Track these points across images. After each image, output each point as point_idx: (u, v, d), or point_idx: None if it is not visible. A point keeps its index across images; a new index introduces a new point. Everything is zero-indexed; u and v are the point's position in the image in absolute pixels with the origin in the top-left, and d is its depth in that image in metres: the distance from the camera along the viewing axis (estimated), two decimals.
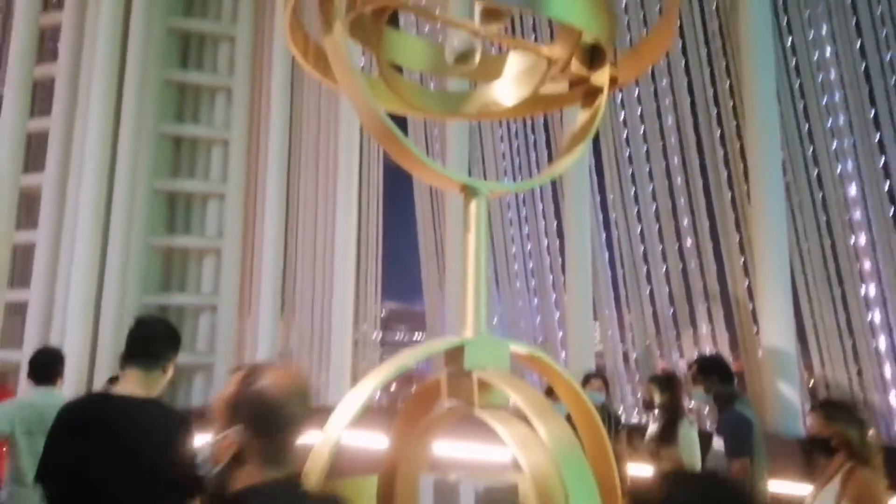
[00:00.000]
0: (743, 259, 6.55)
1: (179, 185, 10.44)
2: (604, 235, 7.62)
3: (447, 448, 4.59)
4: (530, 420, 2.50)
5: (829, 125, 6.14)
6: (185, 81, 10.57)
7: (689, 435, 4.64)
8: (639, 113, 7.34)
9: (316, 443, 2.66)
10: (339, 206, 9.46)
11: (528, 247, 8.15)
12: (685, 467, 4.43)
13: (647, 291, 7.19)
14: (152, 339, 3.03)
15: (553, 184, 7.86)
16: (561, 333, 7.73)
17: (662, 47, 3.43)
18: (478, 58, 3.43)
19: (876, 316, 5.67)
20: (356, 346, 9.47)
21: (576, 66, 3.55)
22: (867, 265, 5.80)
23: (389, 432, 3.22)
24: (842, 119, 6.04)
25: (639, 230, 7.30)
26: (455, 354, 2.98)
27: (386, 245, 10.24)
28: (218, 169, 10.50)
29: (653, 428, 4.91)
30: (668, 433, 4.61)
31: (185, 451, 2.62)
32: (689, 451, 4.61)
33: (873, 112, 5.84)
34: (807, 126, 6.26)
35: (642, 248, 7.34)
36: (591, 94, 3.67)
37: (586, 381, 5.36)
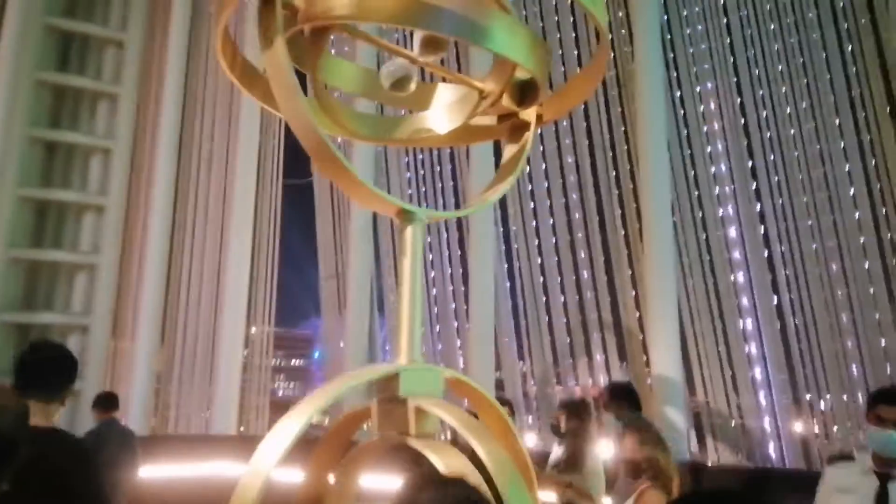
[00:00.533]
0: (634, 293, 6.95)
1: (51, 194, 9.58)
2: (506, 266, 7.83)
3: (373, 480, 4.44)
4: (472, 443, 2.49)
5: (712, 171, 6.70)
6: (65, 84, 9.78)
7: (595, 462, 4.77)
8: (541, 151, 7.66)
9: (242, 478, 2.49)
10: (233, 224, 9.07)
11: (432, 274, 8.20)
12: (588, 494, 4.56)
13: (546, 321, 7.44)
14: (50, 369, 2.74)
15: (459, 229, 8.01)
16: (462, 361, 7.80)
17: (589, 89, 3.59)
18: (413, 85, 3.44)
19: (753, 348, 6.19)
20: (245, 372, 9.04)
21: (506, 101, 3.65)
22: (745, 301, 6.34)
23: (308, 465, 3.07)
24: (723, 167, 6.62)
25: (539, 262, 7.56)
26: (388, 382, 2.91)
27: None
28: (97, 179, 9.75)
29: (558, 453, 5.00)
30: (574, 459, 4.71)
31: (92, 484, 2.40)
32: (595, 478, 4.73)
33: (751, 163, 6.45)
34: (693, 172, 6.79)
35: (542, 279, 7.60)
36: (519, 128, 3.78)
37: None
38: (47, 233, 9.55)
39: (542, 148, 7.63)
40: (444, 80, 3.70)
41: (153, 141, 9.60)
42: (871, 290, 5.97)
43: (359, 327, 8.21)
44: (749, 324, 6.37)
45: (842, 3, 6.43)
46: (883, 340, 5.83)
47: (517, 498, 2.34)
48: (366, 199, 3.22)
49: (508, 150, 3.75)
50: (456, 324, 8.00)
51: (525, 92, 3.68)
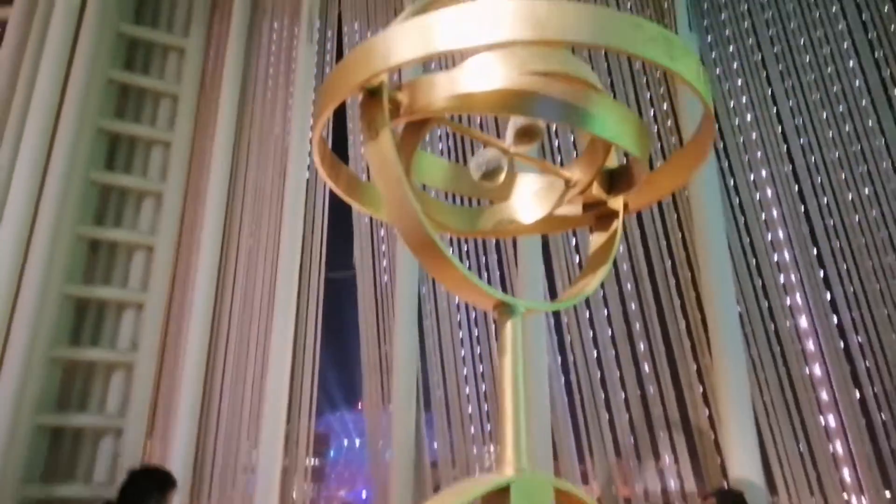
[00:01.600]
0: (702, 388, 6.62)
1: (92, 291, 9.57)
2: (559, 359, 7.55)
3: None
4: None
5: (776, 259, 6.53)
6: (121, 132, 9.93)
7: None
8: None
9: None
10: (276, 325, 8.94)
11: (481, 369, 7.94)
12: None
13: (607, 418, 7.09)
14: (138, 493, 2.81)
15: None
16: None
17: (685, 176, 3.47)
18: (503, 176, 3.38)
19: (838, 447, 5.79)
20: (285, 475, 8.64)
21: (595, 189, 3.57)
22: (824, 395, 5.99)
23: None
24: (787, 254, 6.45)
25: (595, 355, 7.30)
26: (496, 496, 2.66)
27: None
28: (138, 276, 9.77)
29: None
30: None
31: None
32: None
33: (816, 250, 6.28)
34: (755, 260, 6.62)
35: (599, 373, 7.30)
36: (606, 216, 3.68)
37: None
38: (85, 330, 9.47)
39: None
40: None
41: (196, 237, 9.67)
42: None
43: (405, 422, 7.88)
44: (831, 420, 5.99)
45: None
46: None
47: None
48: (466, 292, 3.09)
49: (596, 240, 3.64)
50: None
51: (613, 180, 3.62)
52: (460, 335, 8.35)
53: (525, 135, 3.18)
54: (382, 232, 9.27)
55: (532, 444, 6.98)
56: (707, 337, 6.43)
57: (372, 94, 2.83)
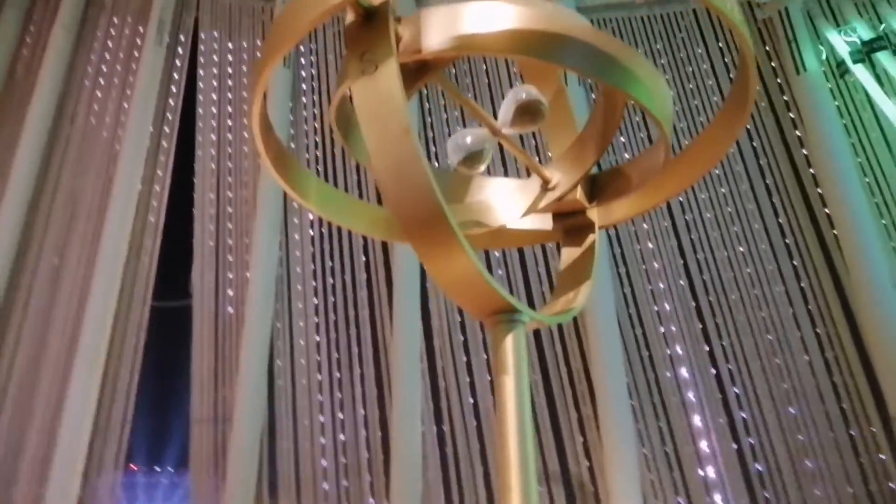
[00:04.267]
0: (583, 439, 6.39)
1: None
2: (432, 407, 6.93)
3: None
4: None
5: (656, 310, 6.60)
6: None
7: None
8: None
9: None
10: (81, 354, 7.33)
11: (342, 437, 7.06)
12: None
13: (482, 471, 6.56)
14: None
15: (376, 365, 7.12)
16: None
17: (695, 174, 3.08)
18: (485, 163, 2.82)
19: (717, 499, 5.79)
20: None
21: (578, 195, 3.11)
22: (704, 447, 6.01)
23: None
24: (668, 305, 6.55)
25: (475, 425, 6.83)
26: None
27: None
28: None
29: None
30: None
31: None
32: None
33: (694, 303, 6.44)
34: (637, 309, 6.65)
35: (475, 423, 6.79)
36: (574, 230, 3.22)
37: None
38: None
39: None
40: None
41: None
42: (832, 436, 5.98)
43: (244, 486, 6.66)
44: (710, 472, 6.02)
45: (766, 160, 7.01)
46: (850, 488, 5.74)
47: None
48: (466, 291, 2.41)
49: (568, 255, 3.17)
50: (372, 502, 6.82)
51: (595, 188, 3.20)
52: (319, 378, 7.39)
53: (526, 112, 2.65)
54: (230, 257, 8.11)
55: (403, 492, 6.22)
56: (590, 386, 6.26)
57: (369, 18, 2.15)
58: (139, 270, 8.25)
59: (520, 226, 3.23)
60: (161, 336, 8.35)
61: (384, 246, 7.67)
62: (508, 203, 3.18)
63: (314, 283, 7.90)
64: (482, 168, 2.83)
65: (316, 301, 7.77)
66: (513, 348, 2.39)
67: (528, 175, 3.12)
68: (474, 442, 6.73)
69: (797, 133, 7.09)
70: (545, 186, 3.10)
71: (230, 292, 7.95)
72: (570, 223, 3.20)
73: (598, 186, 3.14)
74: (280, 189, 8.51)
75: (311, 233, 8.11)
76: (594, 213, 3.15)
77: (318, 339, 7.54)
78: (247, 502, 6.66)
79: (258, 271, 7.58)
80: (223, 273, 8.09)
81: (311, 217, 8.19)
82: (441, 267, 2.25)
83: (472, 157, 2.75)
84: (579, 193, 3.11)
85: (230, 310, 7.81)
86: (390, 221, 3.27)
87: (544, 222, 3.29)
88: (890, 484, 5.63)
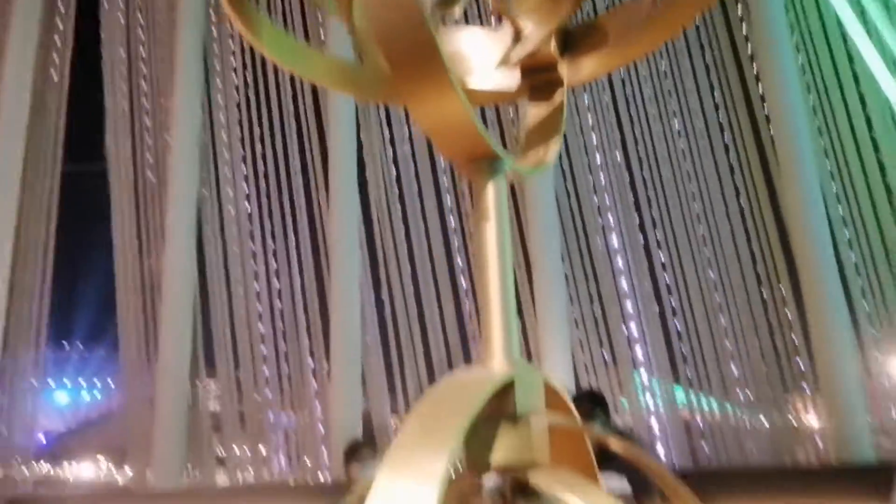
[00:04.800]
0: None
1: None
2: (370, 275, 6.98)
3: None
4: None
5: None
6: None
7: None
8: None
9: None
10: None
11: (279, 304, 7.02)
12: None
13: (420, 334, 6.78)
14: None
15: (312, 234, 7.00)
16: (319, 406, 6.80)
17: (660, 38, 3.06)
18: (460, 8, 2.65)
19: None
20: None
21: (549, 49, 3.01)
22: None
23: None
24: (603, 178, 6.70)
25: (412, 291, 6.92)
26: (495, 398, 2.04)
27: None
28: None
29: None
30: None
31: None
32: None
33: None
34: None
35: (413, 288, 6.91)
36: (541, 87, 3.15)
37: (355, 450, 4.47)
38: None
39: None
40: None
41: None
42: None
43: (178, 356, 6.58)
44: (634, 329, 6.49)
45: (707, 36, 6.99)
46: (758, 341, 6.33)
47: None
48: (447, 131, 2.32)
49: (536, 113, 3.12)
50: (312, 365, 6.93)
51: (569, 39, 3.11)
52: (252, 247, 7.22)
53: None
54: (148, 120, 7.55)
55: (341, 363, 6.38)
56: (525, 252, 6.44)
57: None
58: (45, 132, 7.57)
59: (484, 86, 3.13)
60: (78, 203, 7.85)
61: (318, 112, 7.34)
62: (480, 54, 3.06)
63: (242, 152, 7.53)
64: (458, 13, 2.67)
65: (245, 170, 7.46)
66: (494, 195, 2.35)
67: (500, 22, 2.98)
68: (412, 308, 6.90)
69: (740, 15, 7.10)
70: (517, 37, 2.98)
71: (149, 158, 7.47)
72: (539, 79, 3.12)
73: (571, 40, 3.05)
74: (200, 49, 7.83)
75: (237, 97, 7.62)
76: (564, 69, 3.08)
77: (248, 208, 7.30)
78: (181, 373, 6.63)
79: (179, 136, 7.11)
80: (140, 137, 7.55)
81: (236, 81, 7.67)
82: (427, 106, 2.13)
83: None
84: (552, 47, 3.03)
85: (151, 176, 7.38)
86: (348, 72, 3.08)
87: (511, 79, 3.21)
88: (793, 336, 6.26)
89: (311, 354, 6.93)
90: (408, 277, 6.94)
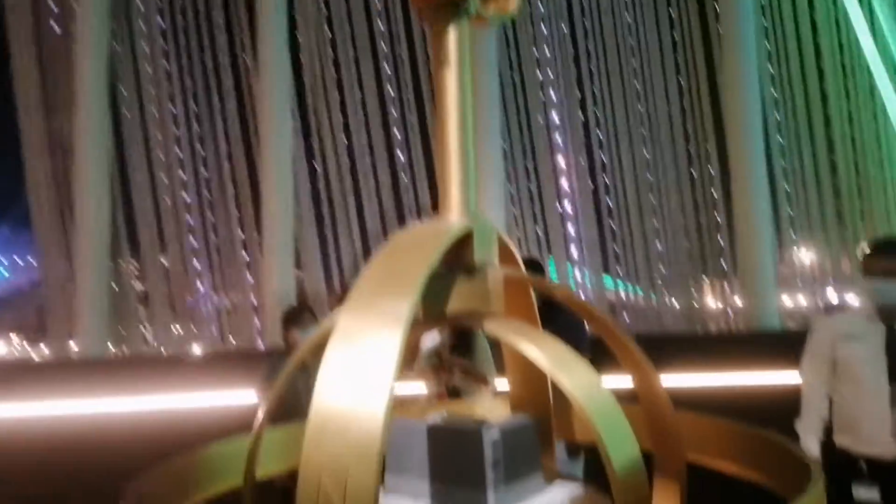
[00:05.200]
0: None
1: None
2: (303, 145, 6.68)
3: None
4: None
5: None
6: None
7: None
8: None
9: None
10: None
11: (205, 172, 6.66)
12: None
13: (357, 222, 6.68)
14: None
15: (239, 99, 6.56)
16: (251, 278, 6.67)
17: None
18: None
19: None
20: None
21: None
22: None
23: None
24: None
25: (345, 142, 6.65)
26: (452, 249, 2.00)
27: None
28: None
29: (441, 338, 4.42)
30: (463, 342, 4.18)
31: None
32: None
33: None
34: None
35: (349, 162, 6.71)
36: None
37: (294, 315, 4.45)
38: None
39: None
40: None
41: None
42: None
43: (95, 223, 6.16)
44: (567, 207, 6.57)
45: None
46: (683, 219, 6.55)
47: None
48: None
49: None
50: (243, 236, 6.69)
51: None
52: (173, 110, 6.71)
53: None
54: None
55: (273, 234, 6.20)
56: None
57: None
58: None
59: None
60: None
61: None
62: None
63: (158, 2, 6.79)
64: None
65: (163, 23, 6.77)
66: (456, 41, 2.20)
67: None
68: (347, 181, 6.70)
69: None
70: None
71: (52, 5, 6.64)
72: None
73: None
74: None
75: None
76: None
77: (167, 66, 6.70)
78: (101, 242, 6.25)
79: None
80: None
81: None
82: None
83: None
84: None
85: (55, 27, 6.59)
86: None
87: None
88: (717, 216, 6.50)
89: (241, 225, 6.69)
90: (342, 147, 6.69)
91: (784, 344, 4.74)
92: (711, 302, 6.78)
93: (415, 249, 1.59)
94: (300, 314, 4.20)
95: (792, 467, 1.52)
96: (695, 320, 6.49)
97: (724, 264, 6.54)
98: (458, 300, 1.76)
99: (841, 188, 6.29)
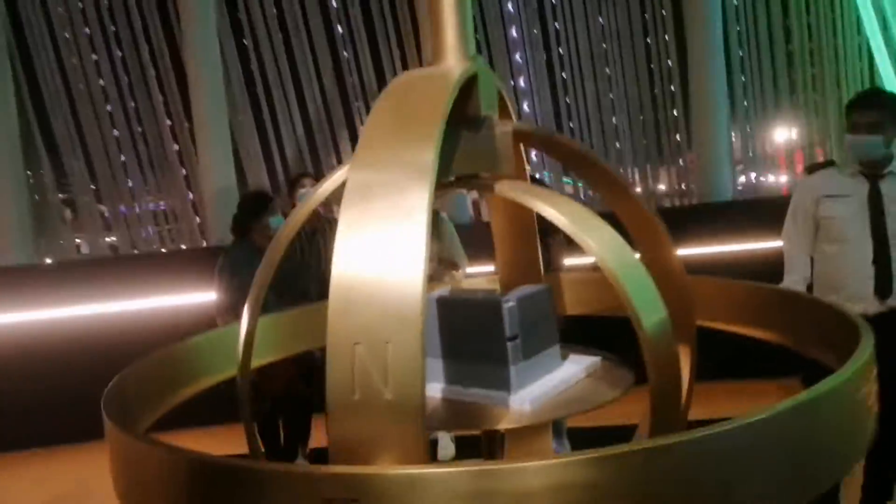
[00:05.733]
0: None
1: None
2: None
3: None
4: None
5: None
6: None
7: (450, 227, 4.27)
8: None
9: None
10: None
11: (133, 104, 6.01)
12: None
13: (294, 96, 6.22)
14: None
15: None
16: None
17: None
18: None
19: None
20: None
21: None
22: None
23: None
24: None
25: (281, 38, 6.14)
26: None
27: None
28: None
29: None
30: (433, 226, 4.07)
31: None
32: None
33: None
34: None
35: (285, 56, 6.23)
36: None
37: (266, 200, 4.19)
38: None
39: None
40: None
41: None
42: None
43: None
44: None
45: None
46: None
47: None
48: None
49: None
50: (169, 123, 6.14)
51: None
52: (87, 31, 5.93)
53: None
54: None
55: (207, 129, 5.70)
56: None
57: None
58: None
59: None
60: None
61: None
62: None
63: None
64: None
65: None
66: None
67: None
68: (283, 61, 6.17)
69: None
70: None
71: None
72: None
73: None
74: None
75: None
76: None
77: None
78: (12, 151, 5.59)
79: None
80: None
81: None
82: None
83: None
84: None
85: None
86: None
87: None
88: (677, 135, 6.36)
89: (169, 114, 6.14)
90: (280, 47, 6.16)
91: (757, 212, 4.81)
92: (669, 182, 6.80)
93: (424, 92, 1.32)
94: (269, 200, 3.92)
95: (837, 328, 1.42)
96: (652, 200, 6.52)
97: (678, 138, 6.49)
98: (465, 159, 1.52)
99: (794, 55, 6.21)
